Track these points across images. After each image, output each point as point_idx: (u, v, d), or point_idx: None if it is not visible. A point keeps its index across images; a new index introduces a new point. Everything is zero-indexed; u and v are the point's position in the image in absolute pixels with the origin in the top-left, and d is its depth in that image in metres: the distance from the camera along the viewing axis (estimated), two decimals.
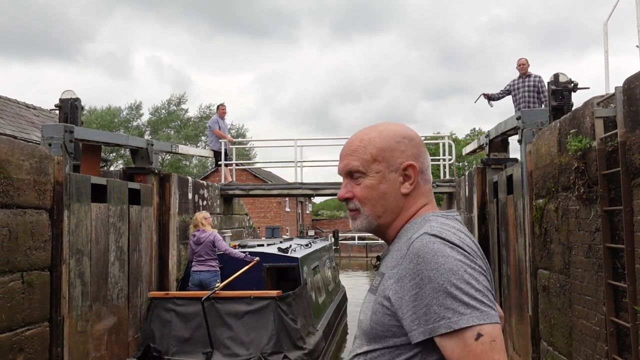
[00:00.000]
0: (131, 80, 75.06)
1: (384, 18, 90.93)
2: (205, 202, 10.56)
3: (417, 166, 1.36)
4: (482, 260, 1.26)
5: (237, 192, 12.02)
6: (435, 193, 1.54)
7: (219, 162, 12.35)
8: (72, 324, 6.25)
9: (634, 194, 3.58)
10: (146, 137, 38.60)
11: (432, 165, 1.50)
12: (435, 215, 1.34)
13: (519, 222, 6.40)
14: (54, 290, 5.90)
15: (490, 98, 9.93)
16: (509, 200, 6.90)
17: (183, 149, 13.28)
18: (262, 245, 9.94)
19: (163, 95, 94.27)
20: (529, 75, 9.39)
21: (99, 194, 7.02)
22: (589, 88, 6.31)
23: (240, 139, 36.76)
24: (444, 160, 12.22)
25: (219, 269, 8.17)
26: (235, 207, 12.84)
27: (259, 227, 17.63)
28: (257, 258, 8.00)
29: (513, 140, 7.90)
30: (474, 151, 10.10)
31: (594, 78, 43.10)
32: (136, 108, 45.96)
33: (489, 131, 8.35)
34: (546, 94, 6.62)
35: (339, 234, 35.57)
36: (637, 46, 4.94)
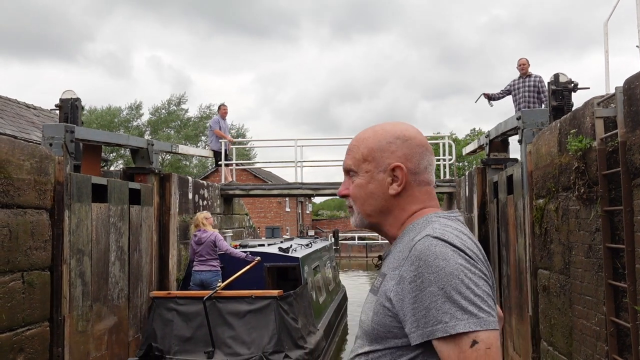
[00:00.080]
0: (131, 80, 75.13)
1: (384, 18, 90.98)
2: (205, 202, 10.57)
3: (404, 167, 1.35)
4: (484, 264, 1.25)
5: (237, 192, 12.02)
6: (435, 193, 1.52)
7: (219, 162, 12.36)
8: (72, 323, 6.26)
9: (634, 194, 3.58)
10: (146, 137, 38.60)
11: None
12: (438, 216, 1.34)
13: (519, 222, 6.40)
14: (54, 290, 5.90)
15: (490, 98, 9.94)
16: (509, 201, 6.91)
17: (183, 149, 13.29)
18: (263, 245, 9.95)
19: (163, 95, 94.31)
20: (529, 75, 9.40)
21: (99, 194, 7.03)
22: (589, 88, 6.31)
23: (240, 139, 36.76)
24: (444, 160, 12.23)
25: (220, 269, 8.18)
26: (235, 207, 12.84)
27: (259, 227, 17.63)
28: (258, 258, 8.01)
29: (513, 141, 7.91)
30: (474, 151, 10.11)
31: (594, 78, 43.10)
32: (136, 108, 45.98)
33: (489, 131, 8.36)
34: (546, 94, 6.62)
35: (339, 234, 35.61)
36: (637, 46, 4.94)
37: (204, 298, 6.82)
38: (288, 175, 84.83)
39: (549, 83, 6.11)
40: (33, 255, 5.59)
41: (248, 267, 7.73)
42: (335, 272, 13.48)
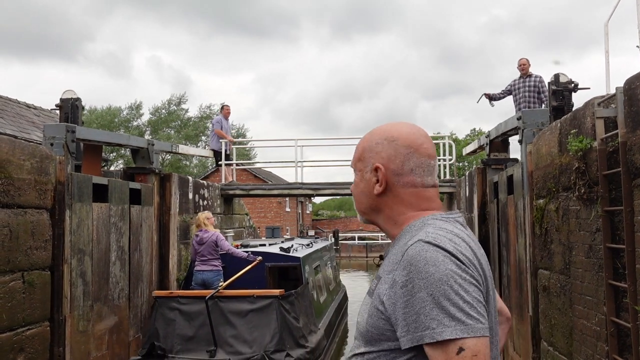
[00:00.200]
0: (131, 80, 75.11)
1: (384, 18, 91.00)
2: (205, 202, 10.57)
3: (382, 168, 1.37)
4: (477, 268, 1.24)
5: (238, 192, 12.03)
6: None
7: (219, 162, 12.37)
8: (73, 323, 6.26)
9: (635, 194, 3.59)
10: (146, 137, 38.59)
11: None
12: (435, 218, 1.34)
13: (519, 222, 6.41)
14: (55, 290, 5.91)
15: (491, 98, 9.94)
16: (510, 201, 6.91)
17: (183, 148, 13.29)
18: (264, 245, 9.96)
19: (163, 95, 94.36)
20: (530, 75, 9.40)
21: (100, 193, 7.03)
22: (589, 88, 6.31)
23: (240, 139, 36.76)
24: (444, 160, 12.23)
25: (221, 269, 8.20)
26: (235, 207, 12.85)
27: (259, 227, 17.64)
28: (260, 257, 8.03)
29: (513, 141, 7.91)
30: (474, 151, 10.11)
31: (594, 78, 43.16)
32: (136, 108, 45.96)
33: (489, 131, 8.36)
34: (547, 94, 6.62)
35: (339, 234, 35.62)
36: (637, 46, 4.94)
37: (206, 297, 6.85)
38: (288, 175, 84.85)
39: (549, 83, 6.11)
40: (33, 255, 5.60)
41: (249, 266, 7.75)
42: (336, 272, 13.50)
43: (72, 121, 7.27)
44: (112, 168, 27.14)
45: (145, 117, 46.50)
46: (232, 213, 12.56)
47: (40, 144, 6.99)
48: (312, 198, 41.21)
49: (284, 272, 10.11)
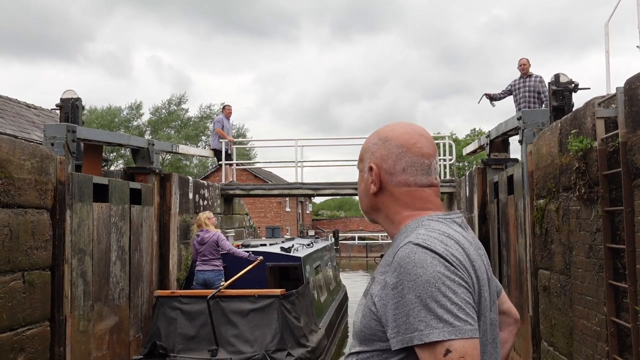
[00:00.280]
0: (131, 80, 75.14)
1: (384, 18, 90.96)
2: (205, 202, 10.58)
3: (375, 168, 1.39)
4: (468, 270, 1.23)
5: (238, 192, 12.03)
6: None
7: (220, 162, 12.37)
8: (74, 323, 6.27)
9: (635, 195, 3.59)
10: (146, 137, 38.58)
11: None
12: (430, 219, 1.34)
13: (519, 223, 6.41)
14: (56, 290, 5.91)
15: (492, 98, 9.94)
16: (510, 201, 6.91)
17: (183, 148, 13.30)
18: (265, 244, 9.98)
19: (163, 95, 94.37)
20: (530, 76, 9.39)
21: (100, 193, 7.03)
22: (589, 88, 6.32)
23: (240, 139, 36.76)
24: (444, 160, 12.23)
25: (222, 269, 8.22)
26: (235, 207, 12.85)
27: (259, 227, 17.64)
28: (261, 257, 8.04)
29: (514, 141, 7.92)
30: (474, 151, 10.11)
31: (594, 78, 43.20)
32: (136, 108, 45.97)
33: (489, 131, 8.36)
34: (547, 94, 6.62)
35: (339, 234, 35.63)
36: (637, 46, 4.95)
37: (208, 297, 6.88)
38: (288, 175, 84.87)
39: (549, 83, 6.12)
40: (33, 254, 5.60)
41: (251, 266, 7.76)
42: (336, 272, 13.52)
43: (72, 121, 7.27)
44: (112, 168, 27.15)
45: (145, 117, 46.58)
46: (232, 213, 12.57)
47: (40, 143, 7.00)
48: (312, 198, 41.22)
49: (285, 272, 10.13)
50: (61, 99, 7.47)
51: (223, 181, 12.24)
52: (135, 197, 7.95)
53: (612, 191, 3.94)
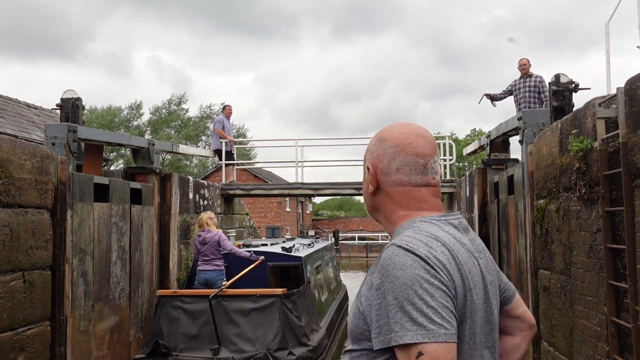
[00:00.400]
0: (131, 80, 75.10)
1: (384, 18, 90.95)
2: (206, 202, 10.58)
3: (371, 168, 1.41)
4: (450, 274, 1.22)
5: (238, 192, 12.04)
6: None
7: (220, 162, 12.37)
8: (75, 323, 6.27)
9: (635, 195, 3.59)
10: (147, 136, 38.58)
11: None
12: (423, 220, 1.34)
13: (519, 223, 6.41)
14: (57, 289, 5.92)
15: (492, 98, 9.94)
16: (510, 201, 6.91)
17: (184, 148, 13.30)
18: (266, 244, 10.00)
19: (163, 95, 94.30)
20: (530, 76, 9.39)
21: (101, 193, 7.04)
22: (590, 89, 6.32)
23: (240, 139, 36.77)
24: (445, 160, 12.23)
25: (224, 268, 8.24)
26: (235, 206, 12.85)
27: (259, 227, 17.64)
28: (262, 257, 8.06)
29: (514, 141, 7.92)
30: (474, 151, 10.11)
31: (594, 79, 43.22)
32: (137, 108, 45.96)
33: (489, 131, 8.36)
34: (547, 94, 6.63)
35: (339, 234, 35.63)
36: (638, 47, 4.96)
37: (210, 296, 6.90)
38: (288, 175, 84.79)
39: (550, 83, 6.12)
40: (34, 254, 5.60)
41: (252, 266, 7.78)
42: (337, 272, 13.55)
43: (72, 121, 7.27)
44: (112, 168, 27.15)
45: (146, 117, 46.56)
46: (232, 213, 12.57)
47: (41, 143, 7.00)
48: (312, 198, 41.21)
49: (286, 272, 10.15)
50: (61, 98, 7.47)
51: (223, 181, 12.25)
52: (136, 197, 7.95)
53: (613, 191, 3.94)
